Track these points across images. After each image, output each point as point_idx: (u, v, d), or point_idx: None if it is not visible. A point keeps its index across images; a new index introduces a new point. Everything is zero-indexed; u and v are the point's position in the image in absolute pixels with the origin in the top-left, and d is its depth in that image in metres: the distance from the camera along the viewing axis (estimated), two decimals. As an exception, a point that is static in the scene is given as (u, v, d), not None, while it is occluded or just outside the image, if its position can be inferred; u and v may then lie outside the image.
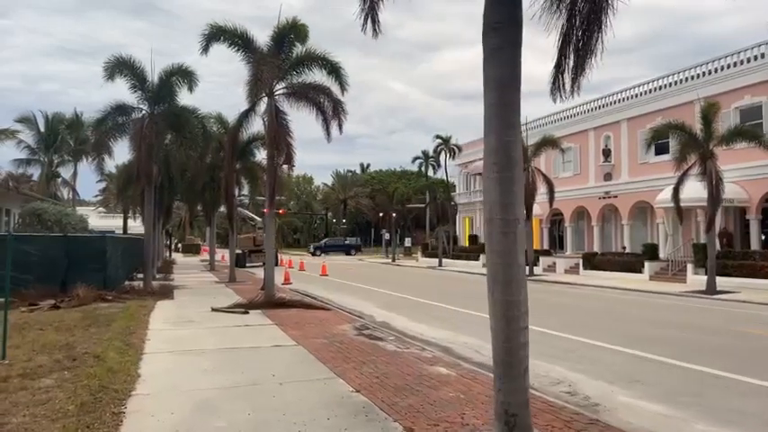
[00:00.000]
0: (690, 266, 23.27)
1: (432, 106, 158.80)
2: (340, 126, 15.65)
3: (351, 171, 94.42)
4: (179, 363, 8.23)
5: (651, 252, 25.77)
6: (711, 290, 19.34)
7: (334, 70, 15.81)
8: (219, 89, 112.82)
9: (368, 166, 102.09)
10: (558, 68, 4.50)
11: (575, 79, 4.42)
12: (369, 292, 21.02)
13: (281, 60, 15.26)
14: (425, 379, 7.24)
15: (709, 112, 19.81)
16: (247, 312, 13.50)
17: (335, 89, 15.90)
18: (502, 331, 4.33)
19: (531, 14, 4.54)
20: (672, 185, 24.93)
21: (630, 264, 26.09)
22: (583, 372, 8.18)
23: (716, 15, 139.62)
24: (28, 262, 16.20)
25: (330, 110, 15.67)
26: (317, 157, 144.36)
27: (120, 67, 18.26)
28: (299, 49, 15.52)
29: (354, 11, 5.34)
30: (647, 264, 25.29)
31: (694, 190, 21.32)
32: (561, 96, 4.59)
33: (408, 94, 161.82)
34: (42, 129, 38.44)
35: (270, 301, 14.97)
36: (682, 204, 22.72)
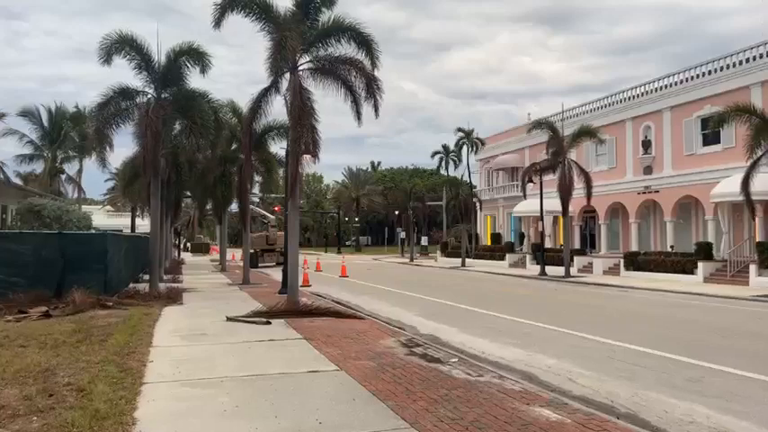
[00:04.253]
0: (753, 267, 20.93)
1: (441, 105, 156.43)
2: (376, 108, 13.55)
3: (363, 169, 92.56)
4: (190, 399, 6.20)
5: (705, 251, 23.28)
6: (788, 294, 17.11)
7: (365, 44, 13.79)
8: (230, 89, 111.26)
9: (379, 164, 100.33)
10: None
11: None
12: (398, 295, 18.94)
13: (307, 28, 13.22)
14: (535, 431, 5.15)
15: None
16: (269, 322, 11.45)
17: (366, 65, 13.90)
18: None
19: None
20: (728, 177, 22.77)
21: (680, 264, 23.70)
22: (734, 413, 6.05)
23: (726, 14, 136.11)
24: (19, 263, 14.34)
25: (363, 89, 13.61)
26: (326, 156, 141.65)
27: (121, 44, 16.26)
28: (325, 17, 13.48)
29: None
30: (701, 264, 22.89)
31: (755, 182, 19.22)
32: None
33: (418, 93, 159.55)
34: (46, 124, 36.63)
35: (293, 309, 12.92)
36: (736, 199, 20.56)
